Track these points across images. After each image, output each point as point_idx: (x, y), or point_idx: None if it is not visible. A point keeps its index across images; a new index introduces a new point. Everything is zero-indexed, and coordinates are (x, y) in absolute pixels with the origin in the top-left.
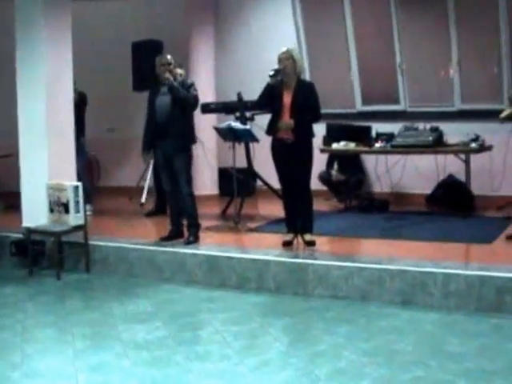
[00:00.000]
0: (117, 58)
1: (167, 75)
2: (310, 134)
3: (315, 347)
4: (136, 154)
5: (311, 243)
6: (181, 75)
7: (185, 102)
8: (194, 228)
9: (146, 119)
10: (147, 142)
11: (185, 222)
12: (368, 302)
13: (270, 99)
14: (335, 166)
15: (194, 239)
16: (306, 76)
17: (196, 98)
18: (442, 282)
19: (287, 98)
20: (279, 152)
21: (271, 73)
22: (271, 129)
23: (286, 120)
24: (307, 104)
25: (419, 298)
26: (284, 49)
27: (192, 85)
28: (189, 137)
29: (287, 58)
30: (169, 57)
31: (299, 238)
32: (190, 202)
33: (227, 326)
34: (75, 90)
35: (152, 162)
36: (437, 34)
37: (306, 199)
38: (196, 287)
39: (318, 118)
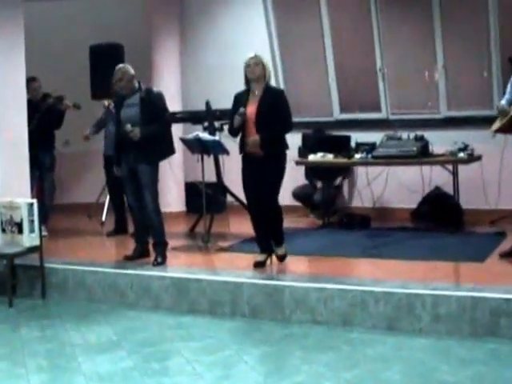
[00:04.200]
0: (73, 63)
1: (132, 135)
2: (283, 146)
3: (294, 377)
4: (95, 167)
5: (283, 257)
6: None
7: (162, 134)
8: (161, 247)
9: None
10: (117, 156)
11: (150, 240)
12: (350, 327)
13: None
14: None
15: (162, 260)
16: (280, 82)
17: (168, 121)
18: (430, 304)
19: (251, 109)
20: (247, 167)
21: (238, 123)
22: (241, 146)
23: (252, 136)
24: (274, 114)
25: (406, 323)
26: (252, 54)
27: (159, 97)
28: (156, 148)
29: (256, 64)
30: (120, 71)
31: (273, 258)
32: (155, 218)
33: (199, 356)
34: (50, 95)
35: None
36: (420, 35)
37: (275, 214)
38: (163, 313)
39: (287, 128)
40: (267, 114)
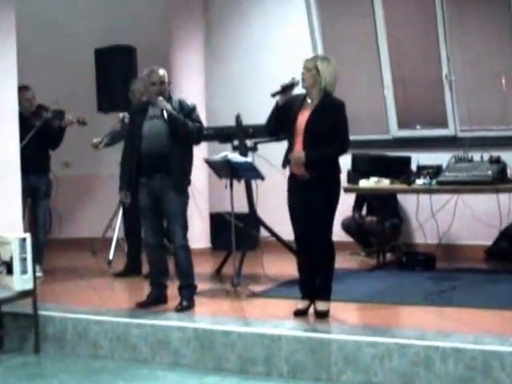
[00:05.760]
0: (75, 69)
1: (161, 102)
2: (335, 170)
3: None
4: (101, 194)
5: (323, 314)
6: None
7: (189, 135)
8: (190, 290)
9: (124, 148)
10: (127, 179)
11: (168, 283)
12: None
13: (281, 122)
14: (364, 210)
15: (188, 304)
16: None
17: (200, 131)
18: (511, 364)
19: (302, 120)
20: (293, 192)
21: (275, 91)
22: (285, 160)
23: (297, 151)
24: (329, 130)
25: None
26: (312, 55)
27: (194, 110)
28: (188, 174)
29: (308, 69)
30: (161, 72)
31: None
32: (185, 256)
33: None
34: (46, 108)
35: (121, 206)
36: (496, 34)
37: (325, 256)
38: (184, 371)
39: (343, 150)
40: (319, 127)
